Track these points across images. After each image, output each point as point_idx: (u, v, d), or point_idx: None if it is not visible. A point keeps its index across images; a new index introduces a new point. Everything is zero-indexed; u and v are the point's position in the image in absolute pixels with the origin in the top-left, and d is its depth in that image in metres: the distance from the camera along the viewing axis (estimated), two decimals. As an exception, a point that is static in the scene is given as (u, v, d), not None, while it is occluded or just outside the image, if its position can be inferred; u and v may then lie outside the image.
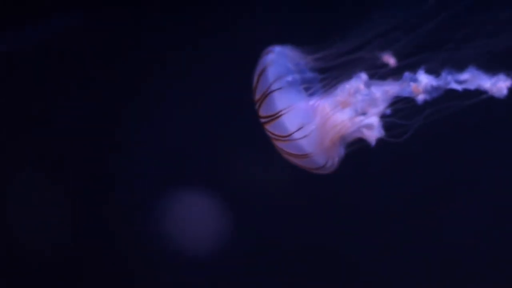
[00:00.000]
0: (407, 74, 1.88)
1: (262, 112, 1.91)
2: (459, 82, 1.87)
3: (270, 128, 1.91)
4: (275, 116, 1.89)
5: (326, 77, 1.94)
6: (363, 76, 1.89)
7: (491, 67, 1.83)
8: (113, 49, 3.03)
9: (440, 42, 1.88)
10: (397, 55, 1.91)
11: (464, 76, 1.86)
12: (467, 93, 1.86)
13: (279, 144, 1.92)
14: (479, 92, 1.84)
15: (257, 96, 1.92)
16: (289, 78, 1.90)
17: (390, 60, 1.90)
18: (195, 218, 3.03)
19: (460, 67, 1.87)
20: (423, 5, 1.89)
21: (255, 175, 2.90)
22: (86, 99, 3.04)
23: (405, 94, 1.89)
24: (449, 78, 1.86)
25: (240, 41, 2.97)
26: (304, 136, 1.89)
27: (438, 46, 1.88)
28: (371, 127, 1.92)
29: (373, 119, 1.91)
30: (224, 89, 2.72)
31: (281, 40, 1.96)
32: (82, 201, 3.07)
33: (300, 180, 2.78)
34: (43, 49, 2.97)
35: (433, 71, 1.87)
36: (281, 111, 1.88)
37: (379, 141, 1.91)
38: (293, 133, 1.88)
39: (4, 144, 3.05)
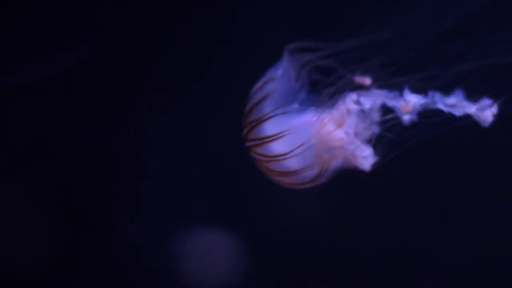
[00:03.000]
0: (395, 93, 1.91)
1: (254, 135, 1.95)
2: (446, 105, 1.89)
3: (261, 150, 1.94)
4: (270, 139, 1.93)
5: (320, 94, 1.98)
6: (354, 96, 1.91)
7: (478, 90, 1.86)
8: (117, 80, 3.04)
9: (430, 62, 1.90)
10: (387, 73, 1.93)
11: (451, 100, 1.89)
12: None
13: (270, 165, 1.96)
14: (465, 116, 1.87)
15: (250, 119, 1.95)
16: (288, 106, 1.94)
17: (365, 80, 1.93)
18: (208, 254, 3.02)
19: (448, 88, 1.89)
20: (412, 24, 1.91)
21: (268, 205, 2.91)
22: (91, 127, 3.05)
23: (394, 111, 1.92)
24: (436, 98, 1.89)
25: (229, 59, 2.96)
26: (299, 154, 1.93)
27: (428, 65, 1.90)
28: (364, 155, 1.95)
29: (366, 148, 1.94)
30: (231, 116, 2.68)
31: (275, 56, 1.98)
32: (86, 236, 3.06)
33: (311, 208, 2.82)
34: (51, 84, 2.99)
35: (421, 91, 1.90)
36: (278, 133, 1.92)
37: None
38: (288, 153, 1.93)
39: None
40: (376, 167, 1.94)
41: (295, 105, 1.97)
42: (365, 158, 1.93)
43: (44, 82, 2.98)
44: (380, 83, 1.95)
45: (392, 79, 1.94)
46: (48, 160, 3.05)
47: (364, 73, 1.92)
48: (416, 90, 1.90)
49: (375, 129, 1.95)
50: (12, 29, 3.01)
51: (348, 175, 2.02)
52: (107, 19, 3.02)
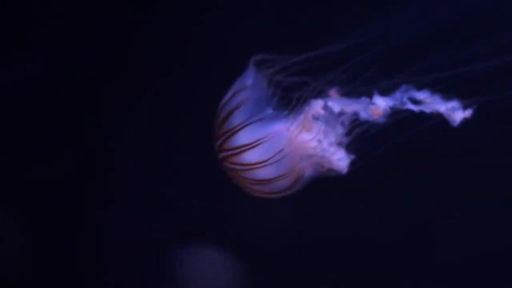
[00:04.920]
0: (364, 98, 1.95)
1: (230, 145, 1.99)
2: (416, 103, 1.92)
3: (237, 159, 1.98)
4: (247, 147, 1.97)
5: (291, 102, 2.02)
6: (323, 102, 1.96)
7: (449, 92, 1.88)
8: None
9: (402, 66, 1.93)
10: (359, 77, 1.97)
11: (420, 96, 1.92)
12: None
13: (246, 174, 2.00)
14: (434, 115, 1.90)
15: (224, 130, 2.00)
16: (261, 113, 1.98)
17: (335, 94, 1.97)
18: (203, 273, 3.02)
19: (418, 89, 1.92)
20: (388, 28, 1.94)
21: (257, 220, 2.93)
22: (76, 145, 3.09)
23: (364, 116, 1.96)
24: (405, 99, 1.92)
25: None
26: (274, 162, 1.97)
27: (399, 69, 1.94)
28: (338, 157, 1.99)
29: (337, 146, 1.98)
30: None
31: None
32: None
33: (288, 217, 2.84)
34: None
35: (390, 93, 1.93)
36: (254, 141, 1.96)
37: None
38: (265, 161, 1.97)
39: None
40: (352, 170, 1.97)
41: (268, 112, 2.00)
42: (340, 161, 1.97)
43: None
44: (351, 88, 1.99)
45: (362, 84, 1.98)
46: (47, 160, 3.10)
47: (336, 79, 1.96)
48: (386, 92, 1.94)
49: (347, 133, 1.99)
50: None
51: (324, 181, 2.05)
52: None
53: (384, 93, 1.93)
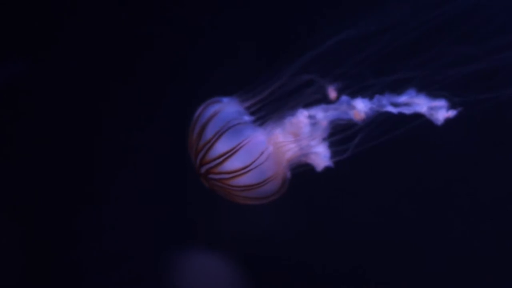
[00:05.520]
0: (345, 99, 1.95)
1: (210, 156, 1.97)
2: (397, 105, 1.93)
3: (220, 168, 1.97)
4: (228, 154, 1.96)
5: (270, 108, 2.01)
6: (304, 111, 1.96)
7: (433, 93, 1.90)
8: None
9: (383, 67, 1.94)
10: (341, 80, 1.97)
11: (402, 99, 1.93)
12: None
13: (230, 183, 1.98)
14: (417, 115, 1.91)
15: (202, 142, 1.98)
16: (237, 120, 1.97)
17: (332, 93, 1.97)
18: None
19: (400, 90, 1.93)
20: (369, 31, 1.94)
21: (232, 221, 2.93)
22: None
23: (347, 118, 1.97)
24: (385, 101, 1.93)
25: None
26: (257, 165, 1.96)
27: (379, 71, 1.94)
28: (318, 155, 1.99)
29: (320, 148, 1.99)
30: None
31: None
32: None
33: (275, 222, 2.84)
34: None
35: (371, 95, 1.94)
36: (234, 147, 1.95)
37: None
38: (247, 166, 1.96)
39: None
40: (334, 168, 1.98)
41: (244, 119, 1.99)
42: (321, 159, 1.98)
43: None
44: (334, 93, 1.99)
45: (344, 89, 1.98)
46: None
47: (321, 85, 1.96)
48: (367, 94, 1.95)
49: (329, 138, 2.00)
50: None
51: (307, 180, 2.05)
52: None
53: (365, 94, 1.93)
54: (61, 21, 3.06)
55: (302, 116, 1.96)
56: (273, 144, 1.97)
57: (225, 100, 2.03)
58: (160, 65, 3.05)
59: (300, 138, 1.98)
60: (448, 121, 1.89)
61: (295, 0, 2.89)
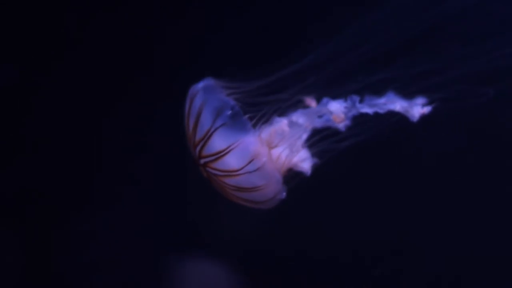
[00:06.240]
0: (324, 101, 1.96)
1: (207, 151, 1.96)
2: (373, 106, 1.93)
3: (217, 165, 1.97)
4: (223, 152, 1.94)
5: (261, 109, 2.01)
6: (284, 120, 1.97)
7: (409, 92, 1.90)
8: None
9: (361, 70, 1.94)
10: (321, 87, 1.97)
11: (380, 100, 1.93)
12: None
13: (228, 181, 1.98)
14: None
15: (198, 137, 1.97)
16: (229, 111, 1.95)
17: (312, 102, 1.97)
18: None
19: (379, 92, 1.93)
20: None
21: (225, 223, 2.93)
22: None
23: (327, 123, 1.97)
24: (357, 103, 1.93)
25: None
26: (257, 168, 1.95)
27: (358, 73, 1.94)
28: (303, 160, 1.99)
29: (304, 152, 1.99)
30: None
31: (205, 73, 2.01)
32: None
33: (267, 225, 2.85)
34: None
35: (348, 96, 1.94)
36: (230, 145, 1.93)
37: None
38: (246, 165, 1.94)
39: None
40: (322, 174, 1.98)
41: (230, 115, 1.96)
42: (305, 163, 1.98)
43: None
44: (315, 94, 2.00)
45: (324, 92, 1.98)
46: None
47: (302, 91, 1.97)
48: (345, 96, 1.95)
49: (312, 138, 2.00)
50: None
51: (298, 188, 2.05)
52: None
53: (343, 97, 1.94)
54: (61, 21, 3.06)
55: (283, 123, 1.96)
56: (264, 152, 1.94)
57: (205, 90, 1.99)
58: (160, 65, 3.06)
59: (284, 144, 1.98)
60: (441, 121, 1.90)
61: (291, 2, 2.89)
